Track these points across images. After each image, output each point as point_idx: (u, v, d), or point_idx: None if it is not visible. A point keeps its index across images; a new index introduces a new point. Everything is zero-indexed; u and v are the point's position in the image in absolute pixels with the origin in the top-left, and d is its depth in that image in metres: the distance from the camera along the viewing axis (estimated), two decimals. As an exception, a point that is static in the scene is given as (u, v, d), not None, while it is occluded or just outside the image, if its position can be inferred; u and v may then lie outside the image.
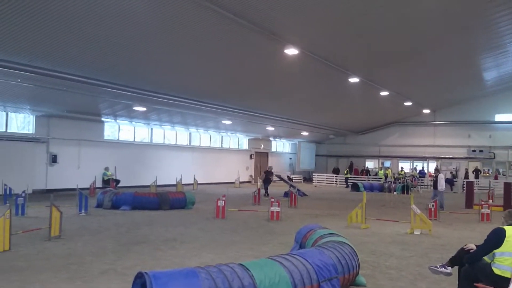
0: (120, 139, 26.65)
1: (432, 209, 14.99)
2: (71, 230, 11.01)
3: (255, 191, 19.42)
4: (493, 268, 5.31)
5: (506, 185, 19.49)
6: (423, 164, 37.39)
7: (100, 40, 12.41)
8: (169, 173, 26.97)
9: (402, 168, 36.67)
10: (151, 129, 28.37)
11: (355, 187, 30.15)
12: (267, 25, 12.74)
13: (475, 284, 5.37)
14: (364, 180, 34.46)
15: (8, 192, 16.32)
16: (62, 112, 21.02)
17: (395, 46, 16.95)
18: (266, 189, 23.02)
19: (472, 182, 21.50)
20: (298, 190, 21.57)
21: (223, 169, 33.74)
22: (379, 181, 33.44)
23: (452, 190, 30.92)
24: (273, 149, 41.15)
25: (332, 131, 36.15)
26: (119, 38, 12.55)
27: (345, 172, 36.48)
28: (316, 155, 43.16)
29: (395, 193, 24.55)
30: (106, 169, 24.44)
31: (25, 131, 21.74)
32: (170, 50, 14.28)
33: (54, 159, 22.40)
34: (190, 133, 31.48)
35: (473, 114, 34.09)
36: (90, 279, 6.79)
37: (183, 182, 25.00)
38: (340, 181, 36.19)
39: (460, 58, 20.32)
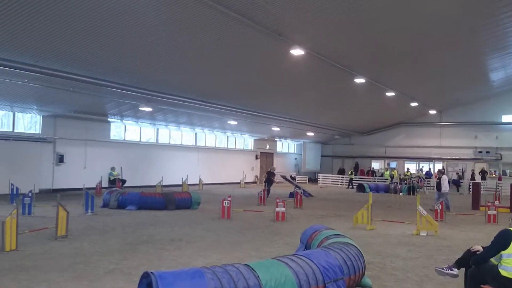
0: (126, 139, 26.76)
1: (438, 211, 14.93)
2: (78, 229, 11.07)
3: (260, 191, 19.43)
4: (500, 270, 5.28)
5: (513, 186, 19.34)
6: (429, 165, 37.22)
7: (107, 40, 12.46)
8: (174, 173, 27.06)
9: (408, 169, 36.53)
10: (157, 129, 28.47)
11: (361, 188, 30.09)
12: (274, 26, 12.73)
13: (481, 286, 5.35)
14: (370, 181, 34.37)
15: (15, 192, 16.44)
16: (68, 112, 21.15)
17: (401, 47, 16.89)
18: (264, 189, 22.99)
19: (478, 183, 21.37)
20: (303, 190, 21.54)
21: (228, 169, 33.79)
22: (385, 182, 33.35)
23: (458, 191, 30.79)
24: (279, 149, 41.13)
25: (338, 131, 36.07)
26: (126, 39, 12.60)
27: (349, 172, 36.37)
28: (321, 156, 43.12)
29: (401, 194, 24.45)
30: (112, 169, 24.54)
31: (32, 131, 21.88)
32: (176, 51, 14.32)
33: (60, 159, 22.54)
34: (195, 133, 31.53)
35: (480, 115, 33.89)
36: (96, 279, 6.82)
37: (189, 182, 25.08)
38: (345, 182, 36.11)
39: (466, 59, 20.22)
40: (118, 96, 18.55)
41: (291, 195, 21.37)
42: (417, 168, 37.79)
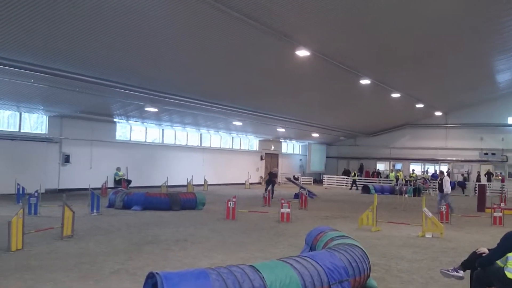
0: (131, 139, 26.84)
1: (444, 212, 14.87)
2: (83, 229, 11.11)
3: (265, 192, 19.41)
4: (506, 272, 5.26)
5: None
6: (434, 167, 37.05)
7: (111, 41, 12.51)
8: (179, 173, 27.11)
9: (413, 170, 36.37)
10: (163, 130, 28.53)
11: (366, 189, 30.01)
12: (279, 27, 12.74)
13: (487, 288, 5.33)
14: (375, 182, 34.24)
15: (21, 192, 16.50)
16: (74, 112, 21.24)
17: (406, 48, 16.85)
18: (269, 190, 22.97)
19: (484, 185, 21.27)
20: (308, 191, 21.50)
21: (233, 170, 33.81)
22: (390, 183, 33.24)
23: (463, 193, 30.65)
24: (284, 150, 41.10)
25: (343, 132, 36.00)
26: (130, 39, 12.64)
27: (353, 174, 36.15)
28: (326, 157, 43.06)
29: (406, 195, 24.39)
30: (118, 169, 24.61)
31: (38, 131, 21.98)
32: (182, 52, 14.35)
33: (66, 159, 22.63)
34: (201, 134, 31.58)
35: (486, 116, 33.74)
36: (101, 279, 6.85)
37: (194, 182, 25.12)
38: (349, 183, 35.94)
39: (472, 60, 20.13)
40: (124, 97, 18.61)
41: (296, 196, 21.36)
42: (423, 170, 37.64)
